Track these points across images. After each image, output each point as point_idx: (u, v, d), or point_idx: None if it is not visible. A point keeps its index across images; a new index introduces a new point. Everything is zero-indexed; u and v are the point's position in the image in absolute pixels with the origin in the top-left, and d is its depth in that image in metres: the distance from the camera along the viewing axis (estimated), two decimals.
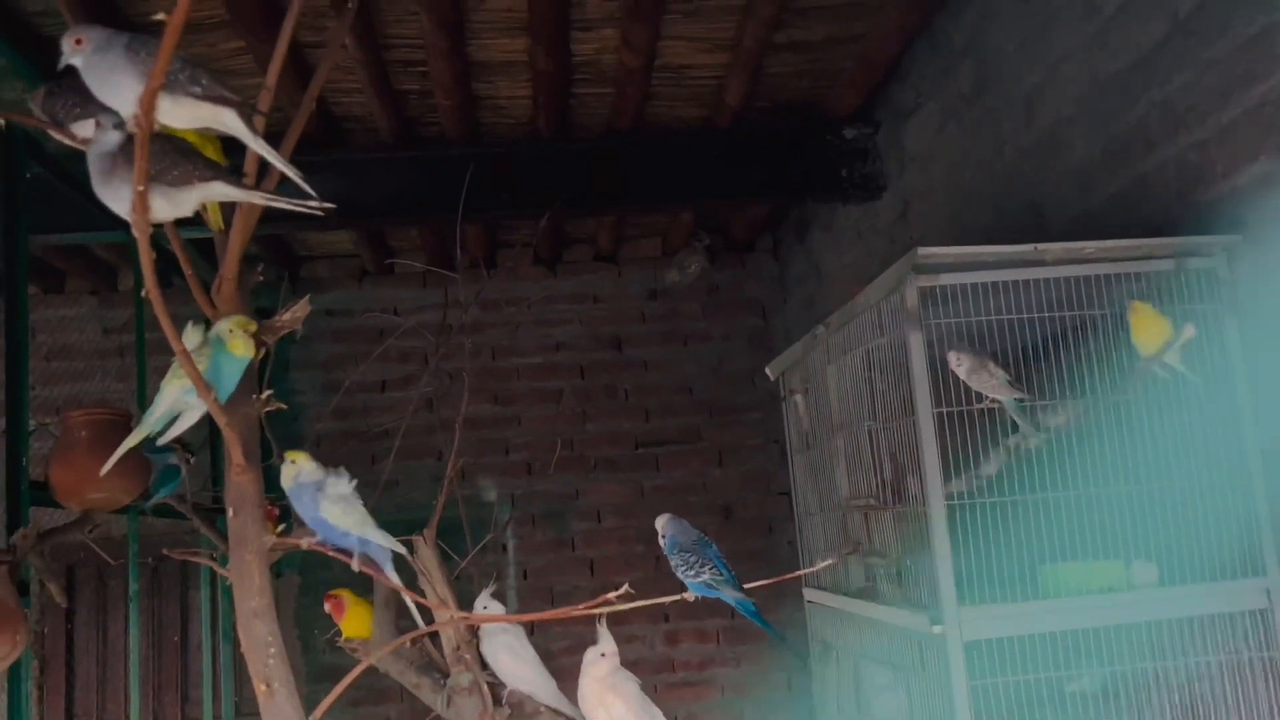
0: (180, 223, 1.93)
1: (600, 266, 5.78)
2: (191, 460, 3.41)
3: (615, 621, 2.20)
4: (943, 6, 3.48)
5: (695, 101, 4.08)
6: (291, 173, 1.53)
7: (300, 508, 1.85)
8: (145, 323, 3.97)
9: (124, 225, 3.76)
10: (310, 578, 5.17)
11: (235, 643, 4.55)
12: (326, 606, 2.52)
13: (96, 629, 5.14)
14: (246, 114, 1.52)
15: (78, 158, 1.71)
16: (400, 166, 4.17)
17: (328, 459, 2.03)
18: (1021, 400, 2.25)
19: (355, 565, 1.91)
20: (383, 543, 1.91)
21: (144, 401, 3.81)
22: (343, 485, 1.90)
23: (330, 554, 1.92)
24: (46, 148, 3.25)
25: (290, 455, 1.88)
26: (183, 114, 1.44)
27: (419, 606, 2.03)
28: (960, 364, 2.26)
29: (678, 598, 1.96)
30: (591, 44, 3.61)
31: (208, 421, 4.54)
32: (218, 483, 4.19)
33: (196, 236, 2.60)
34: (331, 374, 5.44)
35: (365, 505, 1.93)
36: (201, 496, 3.86)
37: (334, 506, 1.85)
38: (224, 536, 2.08)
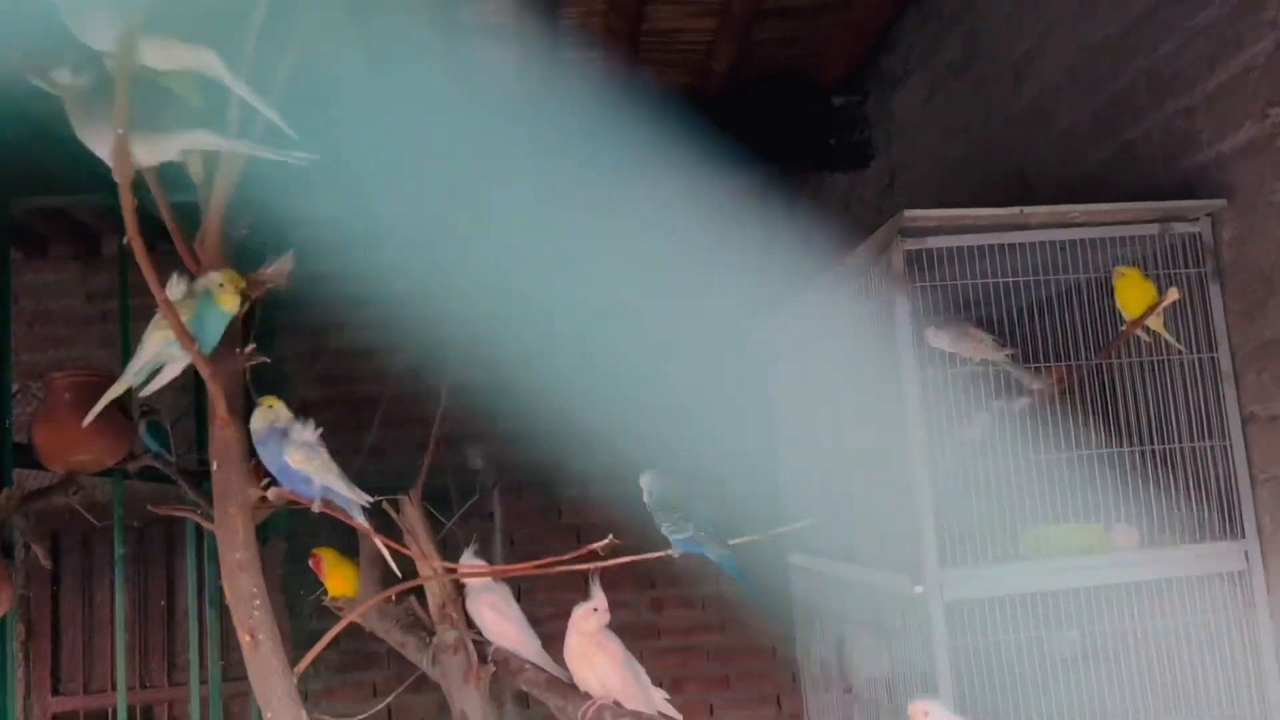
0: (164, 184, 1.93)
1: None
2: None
3: (601, 586, 2.22)
4: None
5: (683, 68, 4.05)
6: (272, 115, 1.52)
7: (265, 453, 1.86)
8: (129, 288, 3.94)
9: (106, 188, 3.70)
10: (296, 545, 5.16)
11: (222, 608, 4.56)
12: (310, 563, 2.53)
13: (82, 595, 5.14)
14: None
15: (60, 120, 1.69)
16: None
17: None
18: (1011, 355, 2.27)
19: (315, 507, 1.91)
20: (346, 493, 1.92)
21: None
22: (307, 432, 1.91)
23: (302, 503, 1.92)
24: (28, 109, 3.21)
25: (266, 400, 1.88)
26: (163, 55, 1.43)
27: (399, 559, 2.04)
28: (939, 338, 2.27)
29: (662, 554, 1.98)
30: (579, 7, 3.58)
31: (193, 387, 4.52)
32: (202, 446, 4.18)
33: (179, 200, 2.59)
34: (317, 340, 5.41)
35: (336, 459, 1.94)
36: (186, 460, 3.85)
37: (297, 451, 1.86)
38: (210, 499, 2.07)
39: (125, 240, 1.49)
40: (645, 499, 2.15)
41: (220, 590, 4.53)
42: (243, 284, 1.77)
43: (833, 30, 3.84)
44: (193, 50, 1.45)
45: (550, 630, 2.49)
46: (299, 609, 4.89)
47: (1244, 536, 2.17)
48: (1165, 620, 2.23)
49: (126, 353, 3.88)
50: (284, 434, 1.90)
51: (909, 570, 2.17)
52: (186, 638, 4.70)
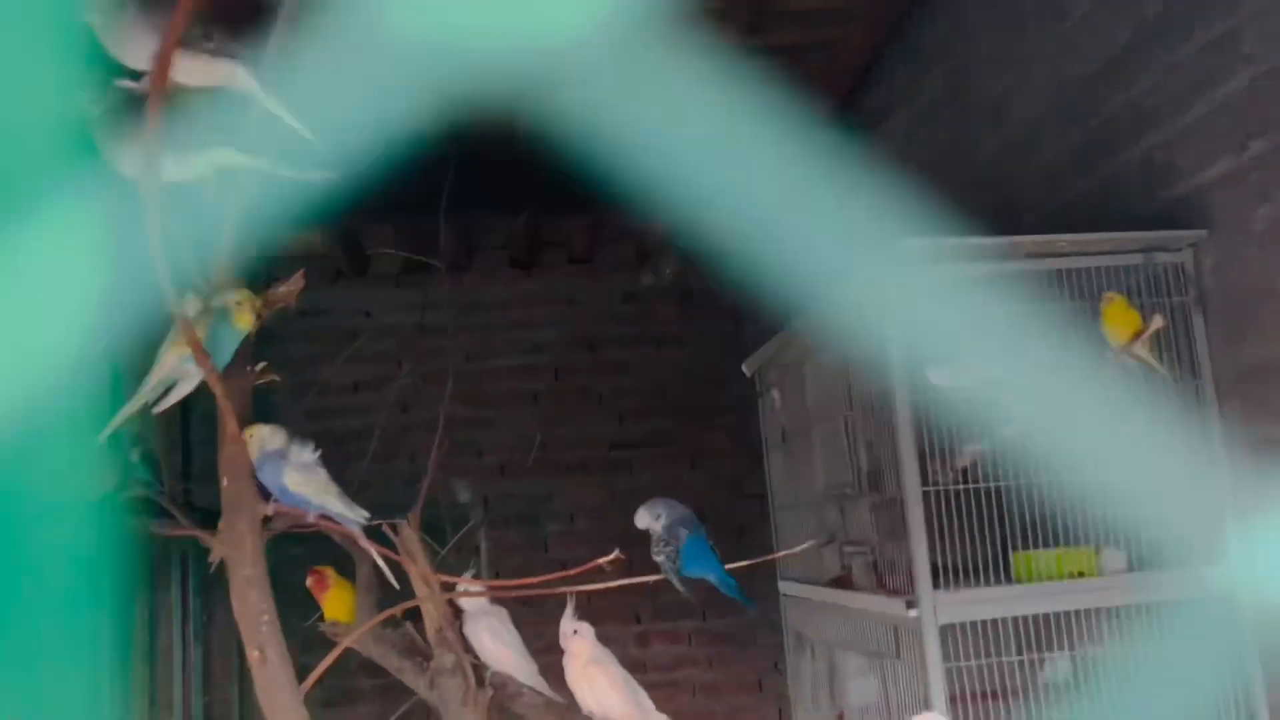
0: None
1: (575, 270, 5.80)
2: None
3: (587, 620, 2.24)
4: (914, 14, 3.56)
5: None
6: (307, 132, 1.56)
7: (264, 478, 1.86)
8: None
9: None
10: (280, 580, 5.13)
11: (205, 645, 4.51)
12: (309, 581, 2.52)
13: None
14: (260, 72, 1.54)
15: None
16: (376, 163, 4.18)
17: None
18: None
19: (310, 518, 1.92)
20: (345, 512, 1.93)
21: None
22: (306, 454, 1.92)
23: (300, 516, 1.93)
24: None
25: (248, 430, 1.88)
26: (197, 71, 1.46)
27: (395, 572, 2.06)
28: (941, 375, 2.31)
29: (660, 576, 2.00)
30: None
31: (179, 421, 4.49)
32: (188, 478, 4.16)
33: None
34: (303, 375, 5.41)
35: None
36: (174, 492, 3.83)
37: (295, 474, 1.86)
38: (203, 529, 2.08)
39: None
40: (640, 524, 2.17)
41: (204, 626, 4.47)
42: (259, 303, 1.80)
43: (815, 68, 3.91)
44: (225, 65, 1.48)
45: (543, 665, 2.50)
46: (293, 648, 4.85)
47: (1229, 561, 2.21)
48: (1155, 644, 2.26)
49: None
50: (282, 456, 1.91)
51: (903, 594, 2.20)
52: (169, 674, 4.65)
